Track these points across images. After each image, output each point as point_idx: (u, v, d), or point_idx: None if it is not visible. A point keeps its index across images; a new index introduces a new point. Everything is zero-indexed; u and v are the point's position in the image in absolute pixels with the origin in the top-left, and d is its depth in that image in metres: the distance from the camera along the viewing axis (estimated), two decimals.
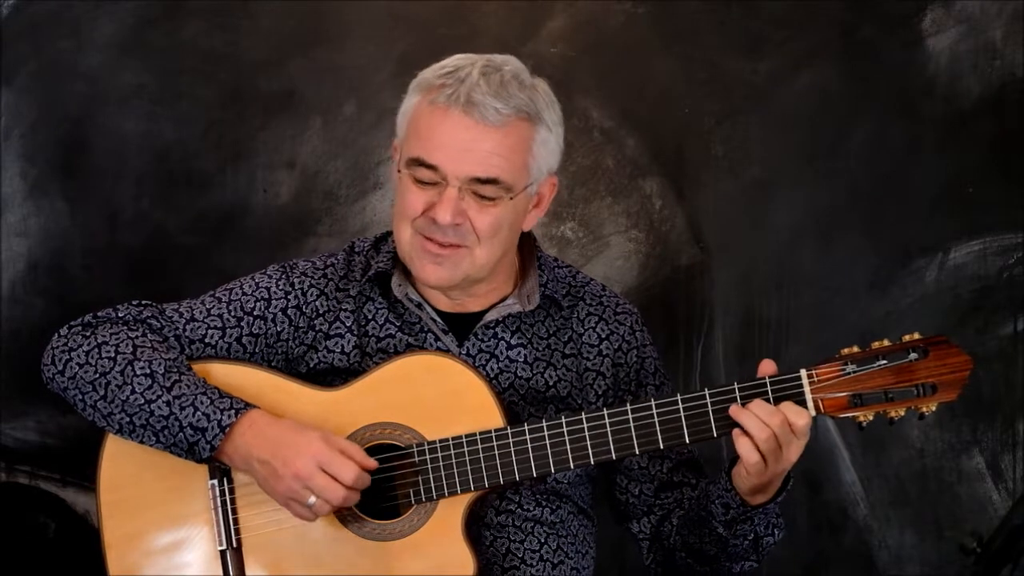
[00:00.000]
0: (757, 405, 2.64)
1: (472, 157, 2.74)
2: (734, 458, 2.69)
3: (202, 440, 2.73)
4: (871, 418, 2.63)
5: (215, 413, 2.73)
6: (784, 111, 3.82)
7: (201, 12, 3.81)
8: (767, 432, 2.62)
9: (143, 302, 2.91)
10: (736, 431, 2.65)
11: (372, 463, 2.72)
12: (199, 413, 2.73)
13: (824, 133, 3.82)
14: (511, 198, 2.78)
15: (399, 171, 2.82)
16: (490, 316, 2.88)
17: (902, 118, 3.80)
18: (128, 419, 2.77)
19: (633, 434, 2.70)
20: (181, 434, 2.74)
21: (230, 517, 2.80)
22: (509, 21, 3.85)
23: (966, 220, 3.79)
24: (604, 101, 3.85)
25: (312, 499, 2.70)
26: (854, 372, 2.63)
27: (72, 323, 2.88)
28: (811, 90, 3.82)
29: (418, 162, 2.77)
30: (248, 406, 2.75)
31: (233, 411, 2.74)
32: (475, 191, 2.76)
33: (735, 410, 2.65)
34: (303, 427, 2.74)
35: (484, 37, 3.82)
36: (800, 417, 2.62)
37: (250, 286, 2.93)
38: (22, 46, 3.77)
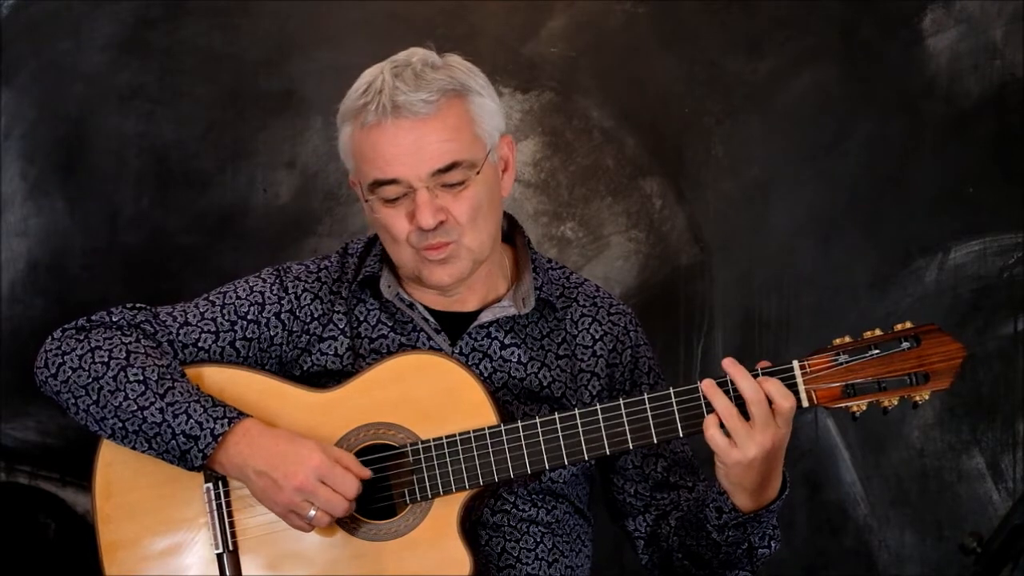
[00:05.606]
0: (740, 374, 2.60)
1: (424, 154, 2.73)
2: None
3: (194, 448, 2.72)
4: (864, 408, 2.61)
5: (208, 421, 2.72)
6: (784, 111, 3.82)
7: (201, 12, 3.81)
8: (731, 410, 2.59)
9: (137, 305, 2.90)
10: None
11: (366, 472, 2.72)
12: (192, 421, 2.73)
13: (824, 133, 3.81)
14: (478, 173, 2.77)
15: (368, 202, 2.81)
16: (485, 317, 2.86)
17: (902, 118, 3.80)
18: (121, 424, 2.77)
19: (627, 428, 2.68)
20: (173, 441, 2.74)
21: (226, 520, 2.79)
22: (509, 21, 3.85)
23: (966, 220, 3.79)
24: (604, 101, 3.85)
25: (312, 512, 2.70)
26: (846, 362, 2.61)
27: (65, 326, 2.87)
28: (811, 90, 3.81)
29: (379, 183, 2.77)
30: (241, 415, 2.75)
31: (226, 420, 2.73)
32: (442, 183, 2.75)
33: (707, 385, 2.62)
34: (298, 437, 2.73)
35: (484, 37, 3.82)
36: (786, 399, 2.59)
37: (244, 290, 2.92)
38: (22, 46, 3.78)
